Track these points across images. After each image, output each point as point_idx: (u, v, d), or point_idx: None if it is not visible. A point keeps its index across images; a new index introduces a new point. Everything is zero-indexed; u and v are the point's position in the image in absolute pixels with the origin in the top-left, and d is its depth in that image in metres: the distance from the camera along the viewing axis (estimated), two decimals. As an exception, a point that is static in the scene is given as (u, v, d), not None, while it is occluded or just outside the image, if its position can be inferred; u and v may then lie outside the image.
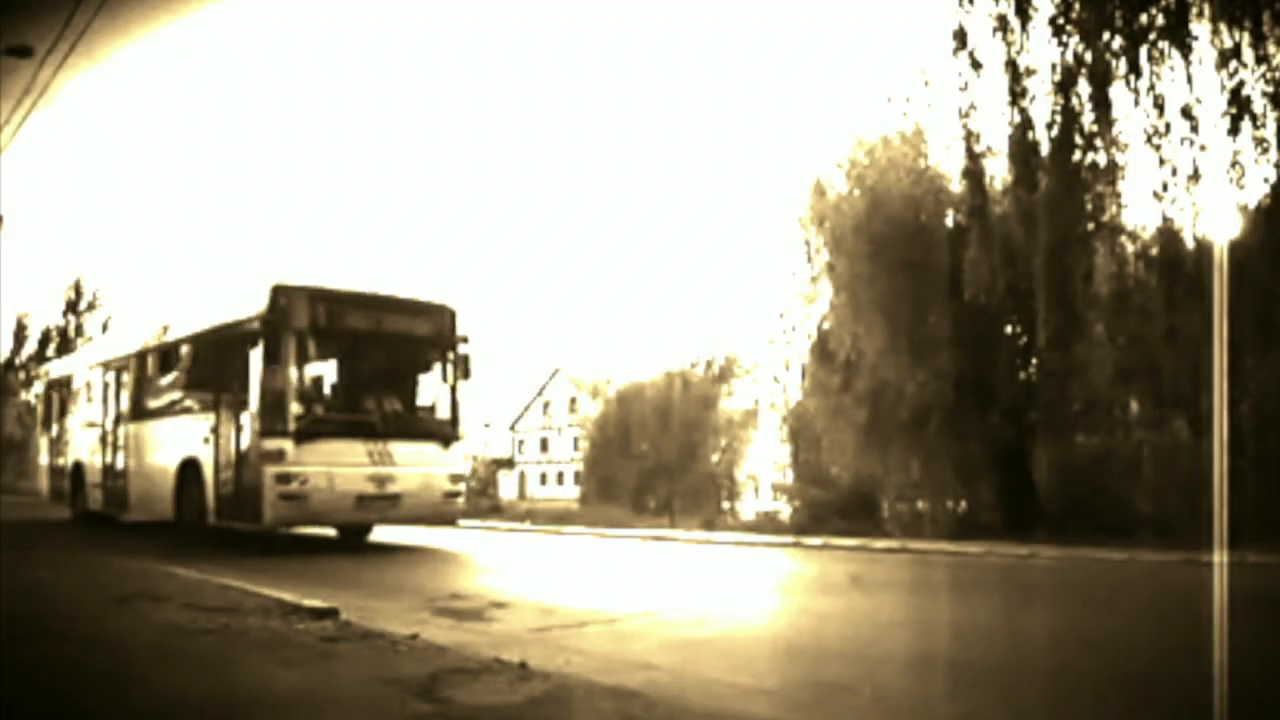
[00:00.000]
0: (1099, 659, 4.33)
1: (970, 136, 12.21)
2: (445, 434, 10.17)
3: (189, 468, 10.25)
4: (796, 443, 18.02)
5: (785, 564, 9.54)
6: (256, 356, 9.27)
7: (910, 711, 3.53)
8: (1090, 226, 11.36)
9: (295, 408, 9.19)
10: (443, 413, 10.36)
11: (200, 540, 9.76)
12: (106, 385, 13.31)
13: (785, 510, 18.94)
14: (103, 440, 13.20)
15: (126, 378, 12.69)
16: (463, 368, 10.41)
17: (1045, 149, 11.46)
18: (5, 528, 12.65)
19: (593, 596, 6.72)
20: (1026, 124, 11.53)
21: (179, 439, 10.63)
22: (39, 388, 17.26)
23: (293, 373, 9.24)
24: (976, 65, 11.80)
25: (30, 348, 37.33)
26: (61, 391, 15.65)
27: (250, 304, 9.47)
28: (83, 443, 14.08)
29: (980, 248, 12.04)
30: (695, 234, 75.78)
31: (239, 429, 9.60)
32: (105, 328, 36.38)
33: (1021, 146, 11.62)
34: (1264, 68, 9.98)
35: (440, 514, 10.18)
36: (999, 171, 12.42)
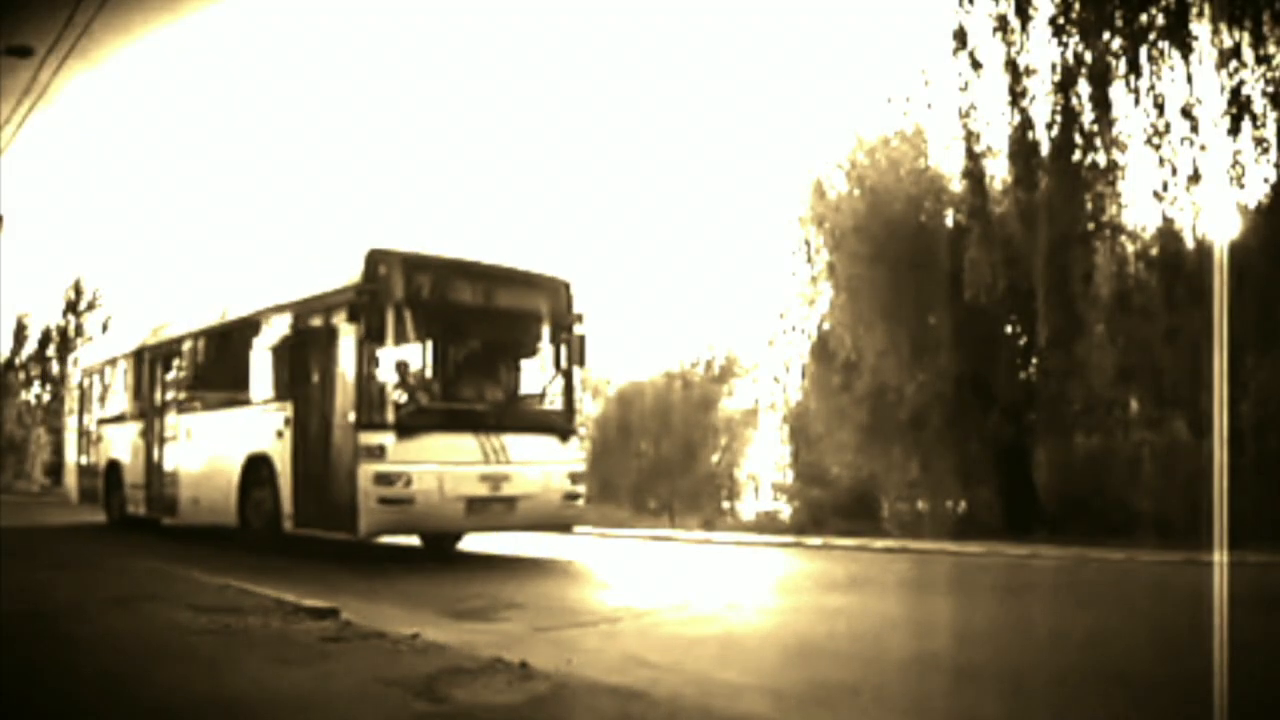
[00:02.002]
0: (1100, 659, 4.33)
1: (970, 136, 12.23)
2: (563, 426, 8.94)
3: (258, 466, 9.00)
4: (796, 443, 18.03)
5: (786, 564, 9.54)
6: (348, 335, 8.06)
7: (911, 711, 3.53)
8: (1090, 226, 11.38)
9: (397, 395, 7.95)
10: (556, 401, 9.10)
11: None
12: (151, 373, 11.90)
13: (785, 510, 18.96)
14: (145, 435, 11.79)
15: (177, 364, 11.34)
16: (579, 350, 9.17)
17: (1045, 149, 11.47)
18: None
19: (594, 596, 6.72)
20: (1026, 124, 11.54)
21: (245, 433, 9.35)
22: (72, 378, 15.40)
23: (393, 353, 7.95)
24: (976, 65, 11.81)
25: (30, 348, 37.32)
26: (95, 381, 14.08)
27: (339, 274, 8.27)
28: (120, 438, 12.67)
29: (980, 248, 12.05)
30: (695, 234, 75.39)
31: (325, 420, 8.29)
32: (105, 328, 36.36)
33: (1021, 146, 11.63)
34: (1264, 68, 9.99)
35: (559, 519, 8.90)
36: (999, 171, 12.45)
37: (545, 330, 9.13)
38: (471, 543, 9.88)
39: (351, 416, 7.93)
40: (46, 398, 36.47)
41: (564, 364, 9.12)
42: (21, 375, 36.76)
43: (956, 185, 13.13)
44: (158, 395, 11.65)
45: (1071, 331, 11.41)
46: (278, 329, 9.10)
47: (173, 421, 11.13)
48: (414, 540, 9.68)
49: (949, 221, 13.21)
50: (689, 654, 4.44)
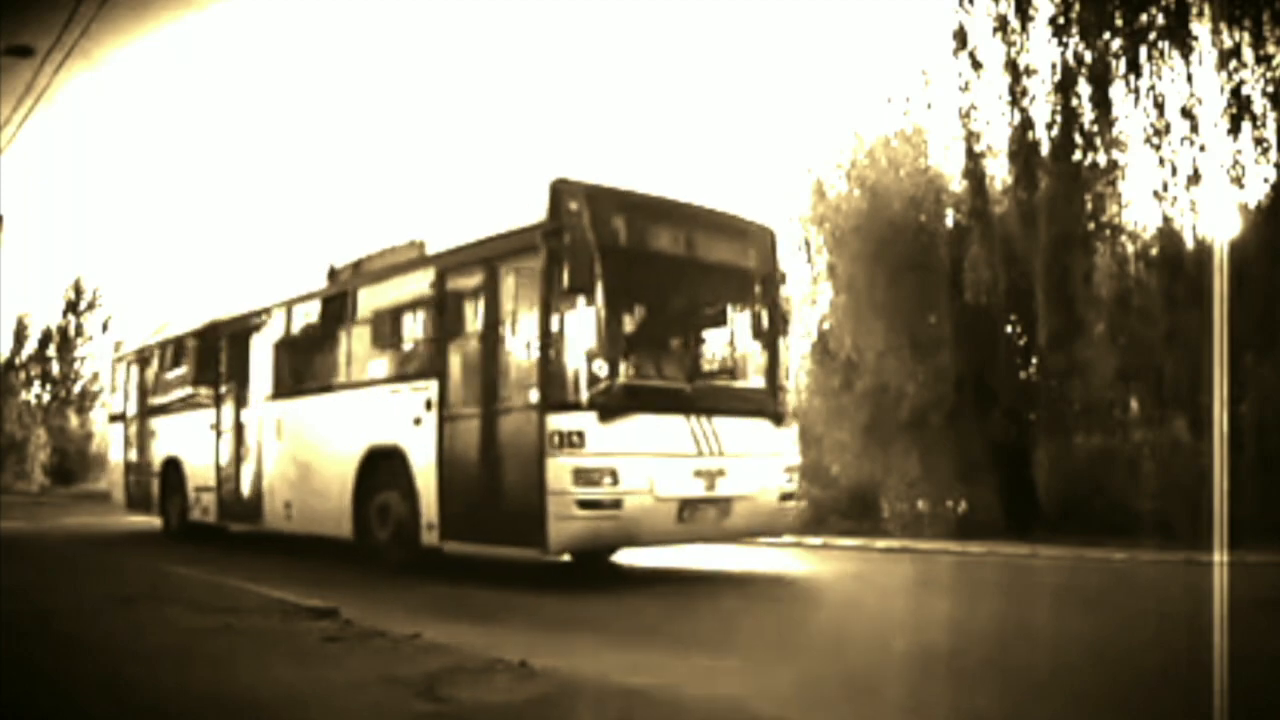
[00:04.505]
0: (1102, 659, 4.33)
1: (971, 136, 12.23)
2: (777, 409, 7.41)
3: (383, 462, 7.45)
4: (797, 442, 18.03)
5: (786, 564, 9.54)
6: (525, 290, 6.56)
7: (914, 711, 3.53)
8: (1090, 226, 11.38)
9: (598, 366, 6.27)
10: (762, 378, 7.59)
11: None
12: (227, 353, 10.24)
13: (785, 510, 18.91)
14: (217, 427, 10.19)
15: (263, 341, 9.63)
16: (787, 315, 7.77)
17: (1045, 149, 11.47)
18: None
19: (594, 596, 6.72)
20: (1026, 124, 11.54)
21: (365, 420, 7.77)
22: (112, 364, 13.60)
23: (586, 313, 6.28)
24: (977, 65, 11.81)
25: (30, 348, 37.34)
26: (147, 367, 12.32)
27: (510, 215, 6.73)
28: (182, 432, 11.04)
29: (981, 248, 12.06)
30: (695, 234, 75.05)
31: (490, 400, 6.69)
32: (105, 327, 36.35)
33: (1021, 146, 11.63)
34: (1264, 68, 9.99)
35: (774, 525, 7.49)
36: (999, 172, 12.43)
37: (753, 290, 7.57)
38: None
39: (534, 395, 6.30)
40: (46, 398, 36.48)
41: (768, 331, 7.59)
42: (21, 375, 36.76)
43: (956, 185, 13.12)
44: (235, 379, 10.08)
45: (1071, 331, 11.41)
46: (413, 289, 7.55)
47: (257, 410, 9.54)
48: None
49: (949, 221, 13.19)
50: (689, 654, 4.44)
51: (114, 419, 13.55)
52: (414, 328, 7.69)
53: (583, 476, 6.08)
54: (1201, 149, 10.39)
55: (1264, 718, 3.33)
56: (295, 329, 9.27)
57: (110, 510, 14.02)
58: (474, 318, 7.05)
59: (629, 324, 7.21)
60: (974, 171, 12.42)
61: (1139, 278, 11.24)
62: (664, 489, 6.41)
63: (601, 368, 6.30)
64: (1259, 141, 10.08)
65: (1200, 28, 10.34)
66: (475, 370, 6.91)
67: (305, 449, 8.69)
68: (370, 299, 8.18)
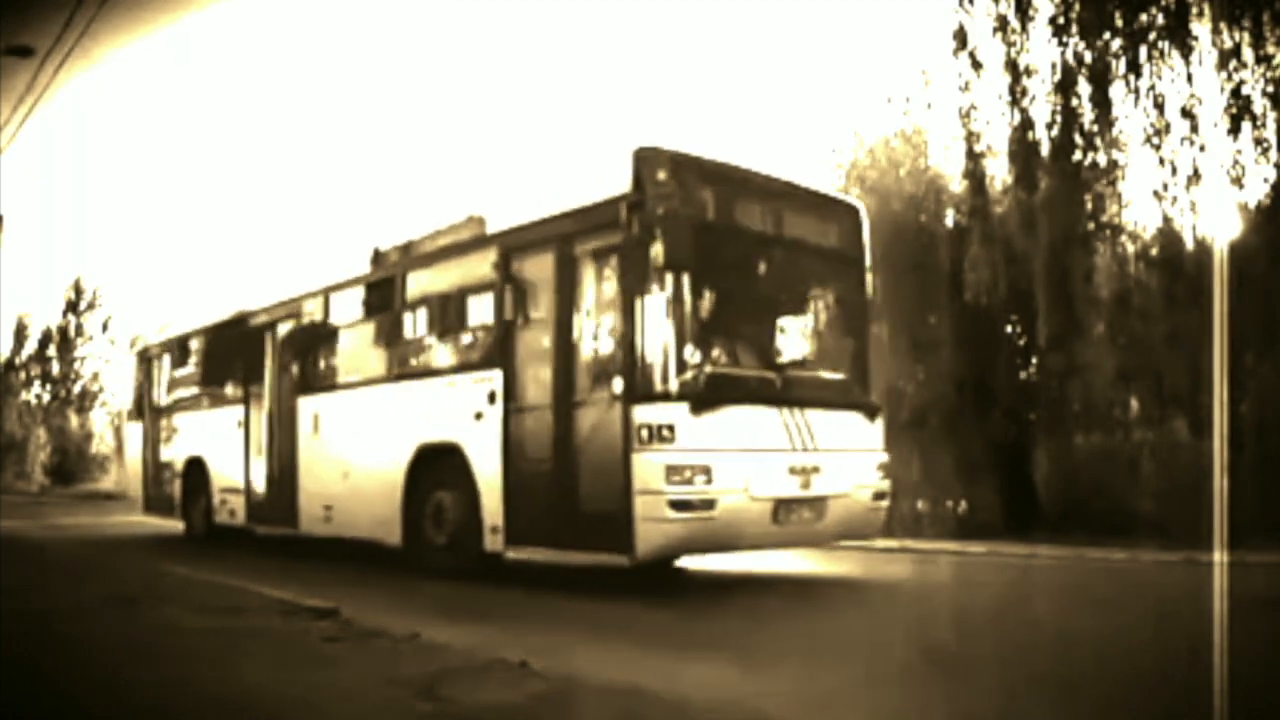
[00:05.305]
0: (1103, 659, 4.33)
1: (971, 137, 12.24)
2: (869, 401, 6.89)
3: (437, 461, 6.97)
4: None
5: (787, 564, 9.53)
6: (606, 269, 6.09)
7: (914, 712, 3.53)
8: (1090, 226, 11.39)
9: (690, 353, 5.76)
10: (855, 367, 7.07)
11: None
12: (256, 345, 9.62)
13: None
14: (246, 425, 9.64)
15: (296, 331, 9.09)
16: (874, 300, 7.27)
17: (1045, 149, 11.48)
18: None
19: (594, 596, 6.71)
20: (1026, 124, 11.56)
21: (417, 415, 7.26)
22: (132, 357, 12.93)
23: (678, 294, 5.73)
24: (977, 65, 11.82)
25: (30, 348, 37.37)
26: (170, 361, 11.69)
27: (589, 188, 6.23)
28: (207, 430, 10.51)
29: (981, 248, 12.07)
30: (695, 234, 74.97)
31: (565, 391, 6.17)
32: (105, 327, 36.39)
33: (1022, 146, 11.64)
34: (1264, 68, 10.01)
35: (868, 525, 6.90)
36: (999, 172, 12.44)
37: (843, 272, 7.11)
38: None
39: (618, 384, 5.78)
40: (46, 398, 36.51)
41: (861, 318, 7.13)
42: (21, 375, 36.79)
43: (956, 185, 13.13)
44: (267, 373, 9.49)
45: (1071, 331, 11.42)
46: (472, 272, 7.03)
47: (291, 406, 8.92)
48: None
49: (949, 221, 13.20)
50: (691, 653, 4.44)
51: (131, 417, 12.97)
52: (473, 314, 7.11)
53: (675, 474, 5.54)
54: (1201, 149, 10.40)
55: (1264, 718, 3.33)
56: (334, 318, 8.68)
57: (112, 510, 14.03)
58: (544, 301, 6.47)
59: (718, 307, 6.43)
60: (974, 171, 12.43)
61: (1139, 278, 11.25)
62: (759, 488, 5.89)
63: (693, 355, 5.80)
64: (1259, 141, 10.09)
65: (1200, 28, 10.35)
66: (546, 359, 6.36)
67: (347, 447, 8.13)
68: (421, 284, 7.61)
